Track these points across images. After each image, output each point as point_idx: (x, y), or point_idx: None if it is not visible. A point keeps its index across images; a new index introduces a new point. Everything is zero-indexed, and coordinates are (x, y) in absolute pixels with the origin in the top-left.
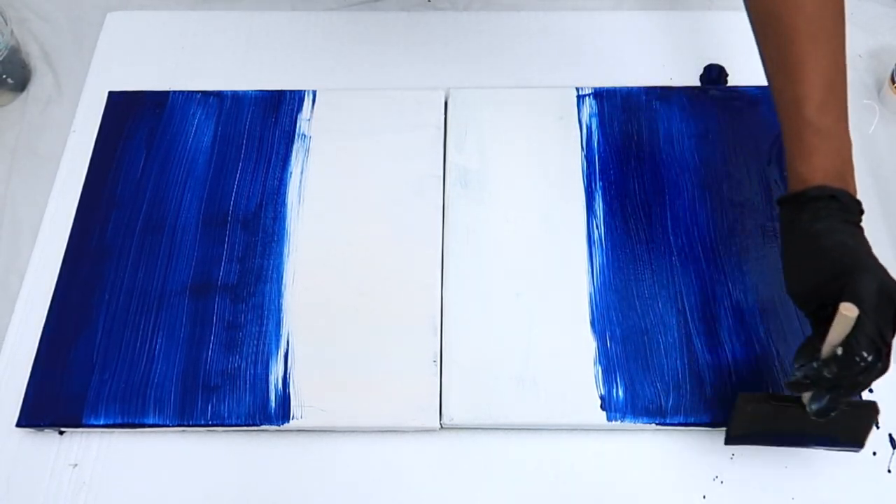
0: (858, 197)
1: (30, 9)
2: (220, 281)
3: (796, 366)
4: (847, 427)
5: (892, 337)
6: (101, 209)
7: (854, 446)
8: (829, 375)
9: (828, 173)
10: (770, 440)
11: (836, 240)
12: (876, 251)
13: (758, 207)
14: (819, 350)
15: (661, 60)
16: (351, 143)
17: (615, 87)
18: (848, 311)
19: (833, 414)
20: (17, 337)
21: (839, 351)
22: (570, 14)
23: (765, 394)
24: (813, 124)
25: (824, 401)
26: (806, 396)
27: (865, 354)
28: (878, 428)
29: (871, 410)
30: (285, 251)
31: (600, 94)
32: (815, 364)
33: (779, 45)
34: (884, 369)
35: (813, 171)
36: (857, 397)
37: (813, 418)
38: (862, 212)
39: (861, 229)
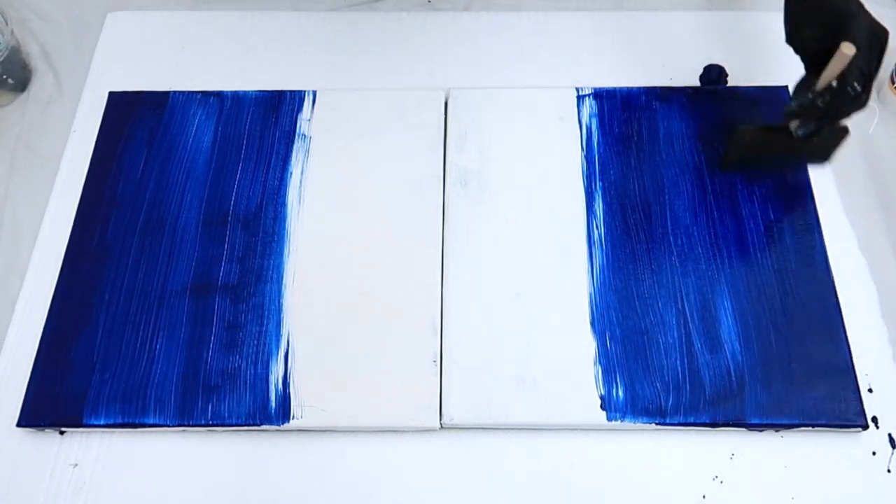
0: (857, 197)
1: (30, 9)
2: (221, 281)
3: (793, 99)
4: (822, 146)
5: (877, 73)
6: (101, 209)
7: (823, 160)
8: (821, 105)
9: None
10: (757, 163)
11: None
12: (876, 251)
13: (759, 206)
14: (814, 85)
15: (661, 61)
16: (351, 143)
17: (615, 88)
18: (847, 49)
19: (815, 140)
20: (18, 337)
21: (834, 83)
22: (569, 14)
23: (761, 125)
24: None
25: (811, 127)
26: (794, 125)
27: (856, 85)
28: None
29: (843, 131)
30: (285, 251)
31: (600, 95)
32: (810, 95)
33: None
34: (865, 101)
35: None
36: None
37: (798, 140)
38: None
39: None
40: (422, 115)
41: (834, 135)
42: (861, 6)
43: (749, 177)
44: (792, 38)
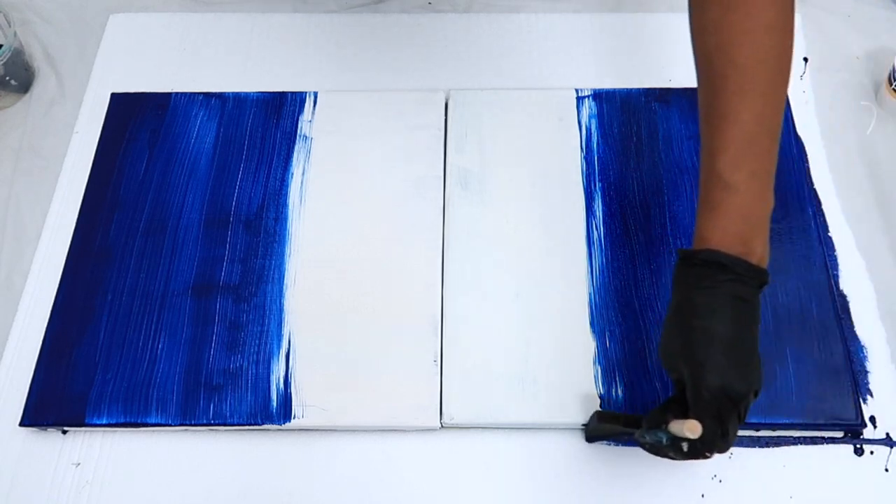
0: (855, 198)
1: (33, 11)
2: (223, 281)
3: (646, 431)
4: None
5: (734, 434)
6: (103, 210)
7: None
8: (672, 455)
9: (727, 235)
10: (618, 440)
11: (705, 323)
12: (874, 253)
13: None
14: (668, 423)
15: (660, 62)
16: (352, 144)
17: (614, 89)
18: (691, 433)
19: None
20: (21, 337)
21: (685, 446)
22: (569, 16)
23: (615, 414)
24: (722, 178)
25: (663, 438)
26: (639, 434)
27: (707, 454)
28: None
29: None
30: (287, 251)
31: (600, 96)
32: (663, 439)
33: (707, 91)
34: (724, 450)
35: (711, 230)
36: None
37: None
38: (764, 283)
39: (751, 304)
40: (422, 116)
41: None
42: (737, 346)
43: None
44: (659, 351)
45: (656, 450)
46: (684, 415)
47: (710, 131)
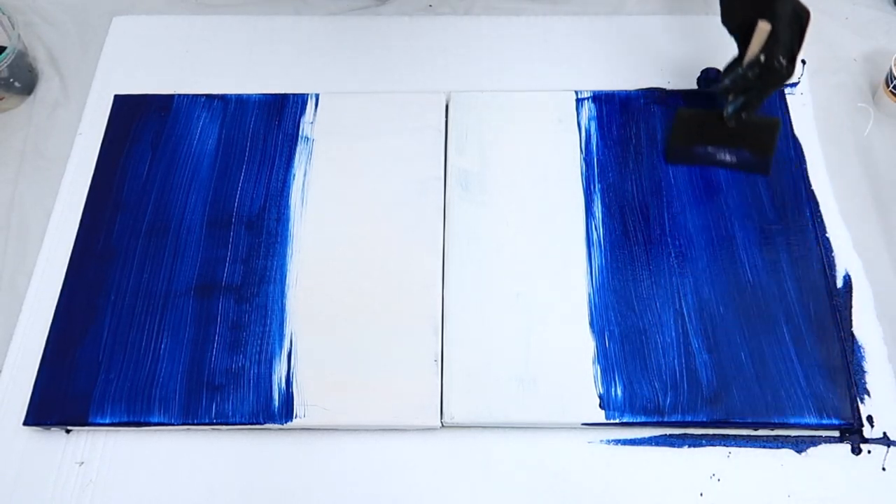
0: (853, 199)
1: (37, 13)
2: (225, 281)
3: (725, 75)
4: (757, 140)
5: (799, 49)
6: (107, 211)
7: (763, 159)
8: (751, 77)
9: None
10: (700, 156)
11: None
12: (871, 253)
13: (755, 208)
14: (743, 61)
15: (659, 64)
16: (353, 145)
17: (614, 91)
18: (764, 25)
19: (744, 116)
20: (25, 337)
21: (762, 58)
22: (569, 18)
23: (698, 109)
24: None
25: (740, 100)
26: (726, 107)
27: (781, 59)
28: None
29: (775, 123)
30: (288, 252)
31: (599, 98)
32: (740, 70)
33: None
34: (789, 74)
35: None
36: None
37: (728, 121)
38: None
39: None
40: (423, 117)
41: (767, 129)
42: None
43: (703, 170)
44: (724, 18)
45: (738, 85)
46: None
47: None
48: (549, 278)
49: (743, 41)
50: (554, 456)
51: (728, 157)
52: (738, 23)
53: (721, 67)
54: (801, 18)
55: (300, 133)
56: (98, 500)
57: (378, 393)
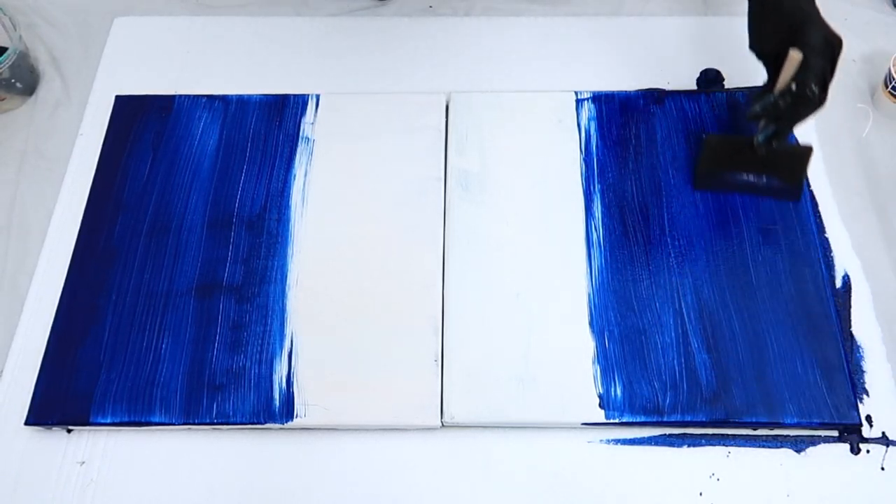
0: (852, 199)
1: (38, 14)
2: (226, 281)
3: (755, 102)
4: (787, 167)
5: (832, 77)
6: (108, 211)
7: (793, 186)
8: (783, 105)
9: None
10: (728, 183)
11: (794, 4)
12: (871, 253)
13: (754, 208)
14: (774, 88)
15: (659, 65)
16: (354, 145)
17: (613, 91)
18: (795, 54)
19: (775, 144)
20: (26, 337)
21: (793, 86)
22: (568, 19)
23: (726, 134)
24: None
25: (771, 128)
26: (758, 134)
27: (814, 87)
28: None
29: (806, 152)
30: (289, 252)
31: (599, 98)
32: (771, 98)
33: None
34: (821, 102)
35: None
36: (793, 140)
37: (758, 149)
38: None
39: None
40: (423, 118)
41: (799, 157)
42: (818, 14)
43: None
44: (753, 44)
45: (770, 113)
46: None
47: None
48: (548, 278)
49: (773, 67)
50: (554, 456)
51: (757, 184)
52: (766, 48)
53: (720, 68)
54: (832, 46)
55: (301, 133)
56: (99, 500)
57: (378, 393)
